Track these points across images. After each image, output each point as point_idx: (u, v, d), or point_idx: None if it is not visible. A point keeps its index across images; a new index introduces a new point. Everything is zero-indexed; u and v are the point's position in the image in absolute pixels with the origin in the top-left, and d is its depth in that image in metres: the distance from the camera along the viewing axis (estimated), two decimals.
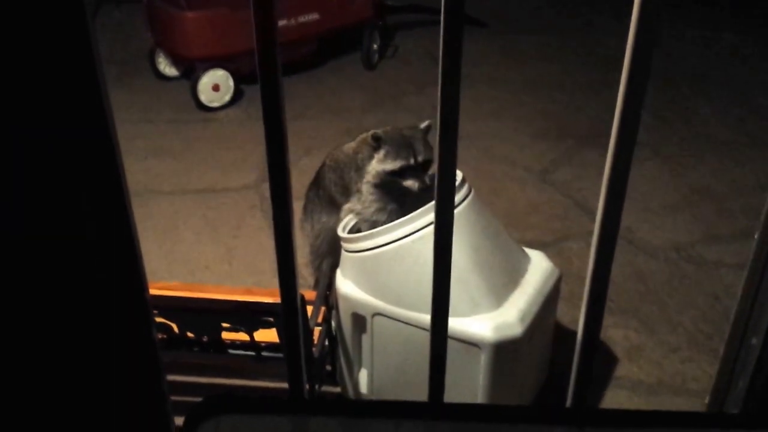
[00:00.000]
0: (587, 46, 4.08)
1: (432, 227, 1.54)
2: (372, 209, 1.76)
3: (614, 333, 2.10)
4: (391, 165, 1.69)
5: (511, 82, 3.66)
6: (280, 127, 0.87)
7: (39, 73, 0.62)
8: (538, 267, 1.71)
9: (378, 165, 1.71)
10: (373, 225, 1.75)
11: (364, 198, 1.76)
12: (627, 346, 2.05)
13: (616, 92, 0.73)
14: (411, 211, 1.75)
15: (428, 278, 1.56)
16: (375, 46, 3.73)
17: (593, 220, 2.72)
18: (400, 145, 1.69)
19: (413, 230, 1.56)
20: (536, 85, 3.66)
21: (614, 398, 1.90)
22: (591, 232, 2.67)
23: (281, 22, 3.23)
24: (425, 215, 1.56)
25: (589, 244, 2.54)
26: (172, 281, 2.22)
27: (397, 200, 1.74)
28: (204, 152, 3.02)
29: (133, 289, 0.77)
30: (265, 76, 0.80)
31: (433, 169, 1.76)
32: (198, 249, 2.43)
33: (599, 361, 2.01)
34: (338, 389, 1.83)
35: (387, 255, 1.58)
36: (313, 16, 3.38)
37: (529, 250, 1.77)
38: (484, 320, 1.55)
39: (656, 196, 2.75)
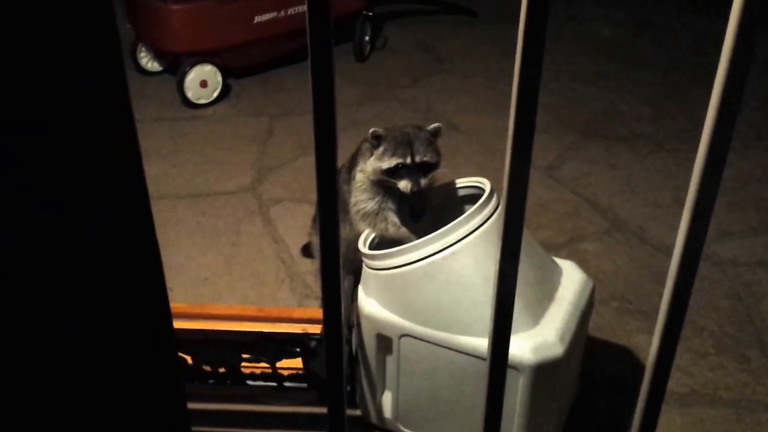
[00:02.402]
0: (579, 35, 3.99)
1: (464, 243, 1.46)
2: (362, 198, 1.68)
3: (639, 339, 2.02)
4: (387, 162, 1.61)
5: (507, 74, 3.54)
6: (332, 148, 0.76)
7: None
8: (572, 278, 1.62)
9: (375, 162, 1.63)
10: (364, 215, 1.67)
11: (355, 187, 1.69)
12: None
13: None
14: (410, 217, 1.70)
15: (461, 297, 1.47)
16: (367, 37, 3.60)
17: (606, 218, 2.65)
18: (399, 143, 1.61)
19: (444, 246, 1.45)
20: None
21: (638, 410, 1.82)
22: (605, 232, 2.59)
23: (271, 15, 3.10)
24: (457, 230, 1.46)
25: (603, 244, 2.48)
26: (171, 296, 2.09)
27: (391, 194, 1.67)
28: (194, 152, 2.88)
29: (157, 320, 0.75)
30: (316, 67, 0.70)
31: (436, 178, 1.68)
32: (194, 259, 2.30)
33: (627, 370, 1.93)
34: (358, 412, 1.73)
35: (416, 273, 1.47)
36: (304, 8, 3.22)
37: (559, 260, 1.67)
38: (522, 340, 1.44)
39: (665, 191, 2.67)
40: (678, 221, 2.78)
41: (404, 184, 1.60)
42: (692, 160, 2.81)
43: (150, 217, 0.71)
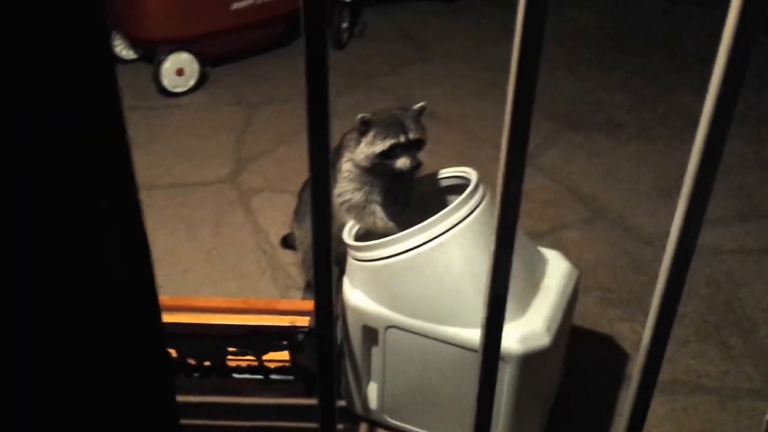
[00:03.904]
0: (555, 22, 3.98)
1: (450, 234, 1.45)
2: (347, 188, 1.66)
3: (621, 327, 2.03)
4: (381, 145, 1.58)
5: (486, 61, 3.54)
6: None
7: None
8: (557, 268, 1.62)
9: (366, 148, 1.60)
10: (350, 207, 1.66)
11: (341, 177, 1.67)
12: (635, 341, 1.98)
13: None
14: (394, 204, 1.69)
15: (448, 288, 1.46)
16: (344, 25, 3.57)
17: (587, 206, 2.64)
18: (390, 124, 1.59)
19: (432, 237, 1.44)
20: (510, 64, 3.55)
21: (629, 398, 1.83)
22: (586, 220, 2.59)
23: (249, 1, 3.06)
24: (444, 221, 1.45)
25: (585, 232, 2.48)
26: None
27: (377, 184, 1.65)
28: (171, 142, 2.83)
29: (146, 314, 0.72)
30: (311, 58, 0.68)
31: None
32: (175, 250, 2.26)
33: (610, 358, 1.94)
34: (343, 403, 1.71)
35: (403, 264, 1.46)
36: None
37: (544, 250, 1.67)
38: (509, 330, 1.43)
39: (645, 179, 2.68)
40: (658, 210, 2.79)
41: (402, 162, 1.58)
42: (672, 147, 2.83)
43: (139, 210, 0.69)
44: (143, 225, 0.73)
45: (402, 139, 1.58)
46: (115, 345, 0.72)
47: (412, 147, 1.59)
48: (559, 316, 1.51)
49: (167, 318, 1.36)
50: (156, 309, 0.77)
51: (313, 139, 0.73)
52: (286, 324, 1.33)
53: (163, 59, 3.01)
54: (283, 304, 1.56)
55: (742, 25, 0.67)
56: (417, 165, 1.59)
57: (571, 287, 1.60)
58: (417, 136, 1.59)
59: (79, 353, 0.70)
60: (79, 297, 0.67)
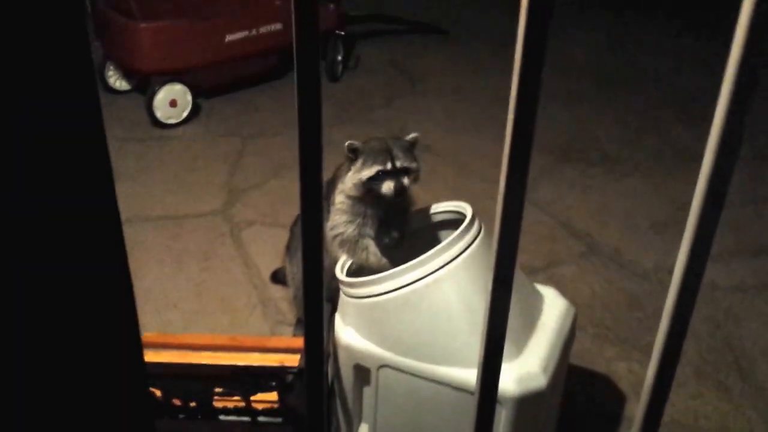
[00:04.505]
0: (551, 56, 3.98)
1: (446, 270, 1.42)
2: (340, 221, 1.63)
3: (618, 366, 1.99)
4: (368, 172, 1.56)
5: (480, 94, 3.54)
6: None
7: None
8: (554, 306, 1.58)
9: (354, 176, 1.58)
10: (342, 242, 1.62)
11: (334, 210, 1.64)
12: (633, 381, 1.94)
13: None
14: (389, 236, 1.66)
15: (444, 326, 1.42)
16: (339, 57, 3.57)
17: (582, 242, 2.60)
18: (378, 151, 1.57)
19: (426, 273, 1.41)
20: (505, 97, 3.54)
21: None
22: (582, 255, 2.56)
23: (243, 34, 3.05)
24: (439, 257, 1.41)
25: (580, 268, 2.45)
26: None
27: (370, 215, 1.62)
28: (163, 174, 2.80)
29: (127, 354, 0.70)
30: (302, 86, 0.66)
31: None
32: (163, 284, 2.22)
33: (607, 398, 1.89)
34: None
35: (397, 301, 1.42)
36: (276, 27, 3.19)
37: (540, 287, 1.64)
38: (504, 371, 1.39)
39: (640, 214, 2.66)
40: (654, 245, 2.76)
41: (387, 186, 1.55)
42: (667, 182, 2.80)
43: (122, 244, 0.67)
44: (126, 260, 0.70)
45: (389, 166, 1.55)
46: (94, 385, 0.69)
47: (399, 174, 1.56)
48: (556, 356, 1.47)
49: (153, 357, 1.33)
50: (138, 348, 0.74)
51: (305, 173, 0.70)
52: (275, 364, 1.29)
53: (157, 90, 2.99)
54: (273, 342, 1.52)
55: (746, 62, 0.64)
56: (402, 190, 1.56)
57: (568, 326, 1.56)
58: (404, 164, 1.56)
59: (55, 393, 0.66)
60: (56, 334, 0.64)
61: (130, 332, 0.74)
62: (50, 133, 0.55)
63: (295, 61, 0.65)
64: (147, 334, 1.58)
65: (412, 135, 1.62)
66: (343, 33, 3.57)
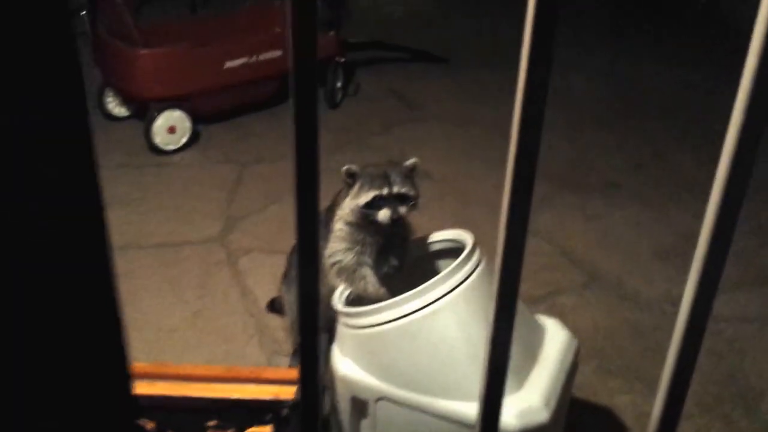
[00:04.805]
0: (551, 83, 4.00)
1: (445, 301, 1.39)
2: (338, 248, 1.60)
3: (621, 399, 1.95)
4: (364, 197, 1.53)
5: (479, 121, 3.54)
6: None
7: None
8: (555, 337, 1.55)
9: (351, 201, 1.55)
10: (340, 270, 1.59)
11: (332, 237, 1.61)
12: (636, 414, 1.90)
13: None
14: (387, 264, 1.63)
15: (443, 358, 1.39)
16: (338, 84, 3.57)
17: (583, 271, 2.55)
18: (375, 176, 1.54)
19: (426, 303, 1.38)
20: (504, 124, 3.54)
21: None
22: (583, 285, 2.52)
23: (242, 60, 3.04)
24: (438, 286, 1.39)
25: (581, 298, 2.41)
26: (132, 354, 1.98)
27: (369, 243, 1.59)
28: (160, 200, 2.78)
29: (114, 385, 0.64)
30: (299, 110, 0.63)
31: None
32: (159, 312, 2.19)
33: None
34: None
35: (395, 332, 1.39)
36: (276, 54, 3.19)
37: (542, 318, 1.61)
38: (505, 405, 1.36)
39: (642, 243, 2.63)
40: (656, 275, 2.71)
41: (383, 214, 1.53)
42: (669, 210, 2.77)
43: (111, 277, 0.64)
44: (115, 289, 0.67)
45: (385, 191, 1.52)
46: (80, 421, 0.66)
47: (396, 201, 1.54)
48: (558, 390, 1.44)
49: (147, 388, 1.29)
50: (127, 381, 0.71)
51: (301, 200, 0.68)
52: (270, 397, 1.26)
53: (155, 117, 2.98)
54: (269, 373, 1.48)
55: (758, 94, 0.62)
56: (398, 218, 1.53)
57: (570, 358, 1.53)
58: (402, 190, 1.53)
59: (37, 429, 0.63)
60: (39, 366, 0.61)
61: (118, 366, 0.70)
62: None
63: (291, 91, 0.63)
64: (141, 365, 1.55)
65: (410, 161, 1.60)
66: (343, 60, 3.57)
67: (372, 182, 1.54)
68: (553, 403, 1.40)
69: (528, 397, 1.39)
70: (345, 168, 1.56)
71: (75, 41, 0.53)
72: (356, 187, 1.55)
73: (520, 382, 1.41)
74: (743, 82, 0.61)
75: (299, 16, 0.59)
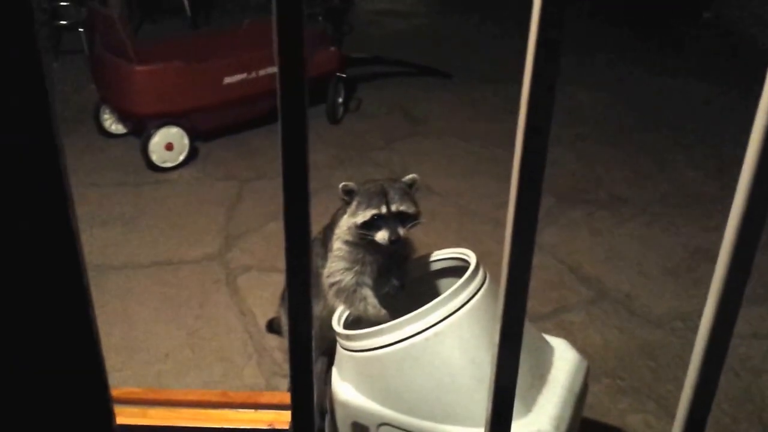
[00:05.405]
0: (556, 98, 3.95)
1: (448, 323, 1.33)
2: (337, 268, 1.54)
3: (632, 419, 1.88)
4: (362, 216, 1.47)
5: (482, 136, 3.49)
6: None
7: None
8: (564, 359, 1.49)
9: (349, 219, 1.50)
10: (339, 291, 1.53)
11: (331, 256, 1.55)
12: None
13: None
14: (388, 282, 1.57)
15: (446, 382, 1.33)
16: (340, 99, 3.53)
17: (590, 288, 2.47)
18: (373, 194, 1.48)
19: (428, 326, 1.32)
20: (508, 139, 3.49)
21: None
22: (590, 302, 2.45)
23: (241, 76, 3.00)
24: (440, 308, 1.33)
25: (589, 315, 2.34)
26: (128, 376, 1.93)
27: (369, 262, 1.53)
28: (158, 218, 2.73)
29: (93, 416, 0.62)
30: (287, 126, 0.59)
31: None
32: (155, 333, 2.13)
33: None
34: None
35: (397, 355, 1.33)
36: (275, 69, 3.13)
37: (550, 338, 1.55)
38: (513, 431, 1.30)
39: (650, 258, 2.57)
40: (666, 291, 2.63)
41: (381, 235, 1.46)
42: (676, 225, 2.70)
43: (85, 294, 0.59)
44: (91, 315, 0.62)
45: (384, 210, 1.46)
46: None
47: (396, 220, 1.47)
48: (567, 414, 1.37)
49: (139, 417, 1.23)
50: (108, 413, 0.65)
51: (290, 223, 0.63)
52: (265, 427, 1.20)
53: (152, 134, 2.94)
54: (266, 397, 1.43)
55: None
56: (397, 240, 1.47)
57: (579, 381, 1.46)
58: (401, 208, 1.47)
59: None
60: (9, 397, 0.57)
61: (97, 397, 0.65)
62: None
63: (279, 113, 0.58)
64: (134, 390, 1.49)
65: (409, 176, 1.54)
66: (344, 75, 3.53)
67: (370, 200, 1.48)
68: (562, 429, 1.34)
69: (537, 422, 1.32)
70: (342, 185, 1.51)
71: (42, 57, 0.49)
72: (353, 205, 1.50)
73: (528, 406, 1.35)
74: (764, 94, 0.56)
75: (284, 28, 0.54)
